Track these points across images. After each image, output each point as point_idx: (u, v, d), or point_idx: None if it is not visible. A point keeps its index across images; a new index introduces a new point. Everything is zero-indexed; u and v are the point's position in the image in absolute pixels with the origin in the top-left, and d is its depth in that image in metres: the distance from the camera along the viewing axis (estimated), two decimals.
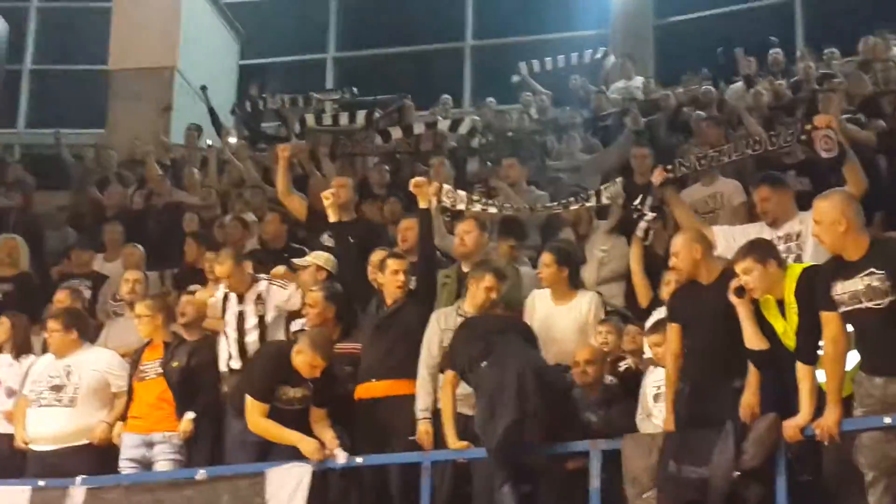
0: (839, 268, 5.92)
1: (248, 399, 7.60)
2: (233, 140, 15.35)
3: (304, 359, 7.51)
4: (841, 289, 5.84)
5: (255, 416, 7.57)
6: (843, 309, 5.85)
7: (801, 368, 6.07)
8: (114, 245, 11.65)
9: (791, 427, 6.08)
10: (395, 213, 10.77)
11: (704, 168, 8.66)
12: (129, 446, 8.26)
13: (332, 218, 8.65)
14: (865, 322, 5.82)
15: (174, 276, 10.83)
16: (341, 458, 7.38)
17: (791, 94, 13.43)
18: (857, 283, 5.78)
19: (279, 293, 8.57)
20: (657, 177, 7.98)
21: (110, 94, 18.59)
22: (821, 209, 6.01)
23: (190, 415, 8.14)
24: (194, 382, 8.26)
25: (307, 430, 7.56)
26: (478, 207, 8.70)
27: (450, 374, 7.27)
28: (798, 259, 7.16)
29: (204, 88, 17.21)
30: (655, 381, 7.11)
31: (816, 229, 6.03)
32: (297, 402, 7.63)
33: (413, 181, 8.52)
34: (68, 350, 8.59)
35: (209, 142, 16.10)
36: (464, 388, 7.29)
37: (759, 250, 6.37)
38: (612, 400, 7.37)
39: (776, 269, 6.28)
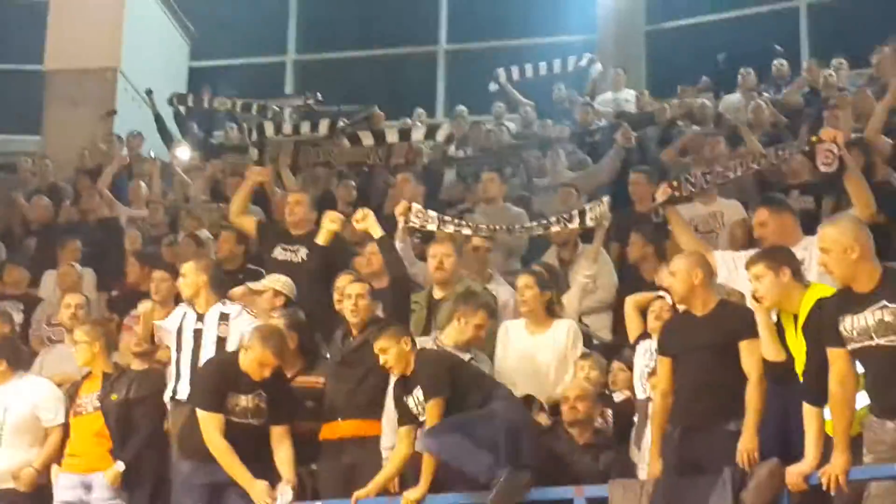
0: (848, 300, 5.89)
1: (200, 413, 7.49)
2: (183, 155, 15.30)
3: (252, 356, 7.44)
4: (850, 324, 5.82)
5: (212, 432, 7.43)
6: (852, 346, 5.83)
7: (807, 410, 6.09)
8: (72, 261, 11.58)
9: (795, 474, 6.10)
10: (361, 233, 10.74)
11: (710, 185, 8.74)
12: (65, 487, 8.20)
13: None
14: (876, 360, 5.78)
15: (110, 299, 10.79)
16: (286, 496, 7.30)
17: (799, 105, 13.55)
18: (868, 318, 5.76)
19: (246, 321, 8.37)
20: (661, 194, 8.03)
21: (46, 97, 18.52)
22: (829, 236, 5.96)
23: (119, 466, 8.07)
24: (135, 418, 8.21)
25: (267, 454, 7.49)
26: (450, 228, 8.73)
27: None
28: None
29: (149, 92, 17.19)
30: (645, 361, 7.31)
31: (824, 258, 5.97)
32: (251, 413, 7.53)
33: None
34: (2, 380, 8.54)
35: (152, 153, 16.07)
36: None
37: (773, 256, 6.44)
38: (602, 445, 7.41)
39: (790, 280, 6.33)
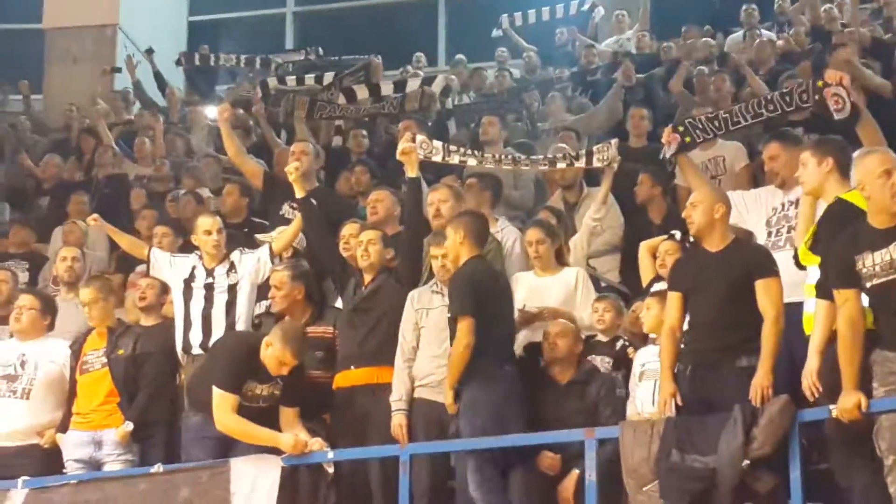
0: (868, 237, 5.88)
1: (217, 392, 7.48)
2: (212, 114, 15.16)
3: (273, 354, 7.44)
4: (871, 260, 5.82)
5: (225, 410, 7.45)
6: (874, 282, 5.82)
7: (819, 305, 6.10)
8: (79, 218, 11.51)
9: (806, 374, 6.08)
10: (363, 183, 10.74)
11: (721, 132, 8.45)
12: (75, 445, 8.19)
13: (299, 193, 8.57)
14: None
15: (119, 256, 10.79)
16: (327, 450, 7.37)
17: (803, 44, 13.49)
18: (894, 252, 5.76)
19: (249, 259, 8.48)
20: (668, 139, 7.96)
21: (46, 55, 18.46)
22: (867, 166, 5.93)
23: (128, 426, 8.08)
24: (142, 373, 8.23)
25: (274, 429, 7.51)
26: (456, 159, 8.68)
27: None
28: None
29: (150, 51, 17.13)
30: (642, 360, 7.17)
31: (863, 191, 5.94)
32: (262, 399, 7.58)
33: (400, 148, 8.44)
34: (33, 336, 8.55)
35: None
36: (439, 375, 7.35)
37: (820, 145, 6.55)
38: (586, 381, 7.38)
39: (832, 170, 6.41)
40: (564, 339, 7.42)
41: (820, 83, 7.60)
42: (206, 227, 8.54)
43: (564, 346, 7.41)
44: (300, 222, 8.64)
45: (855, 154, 6.19)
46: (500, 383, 7.11)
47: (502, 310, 7.39)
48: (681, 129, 8.09)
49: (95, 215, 9.40)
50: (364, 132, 12.72)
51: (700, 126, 8.13)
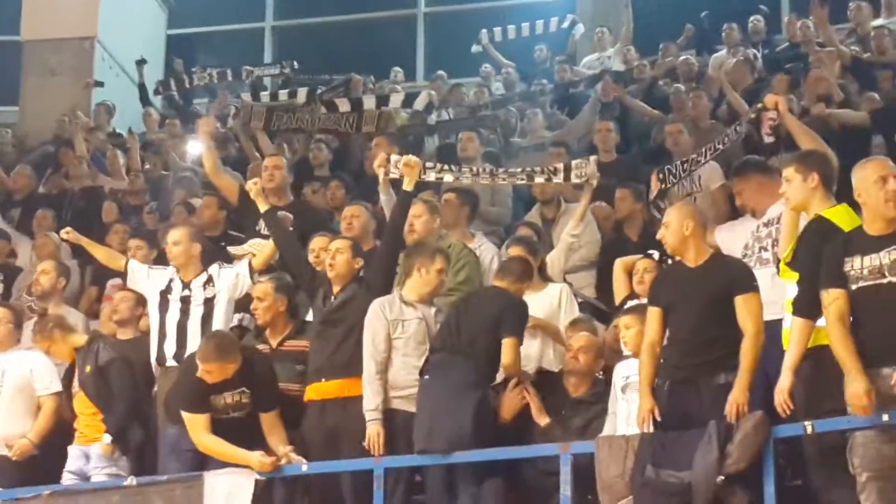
0: (859, 242, 5.95)
1: (185, 415, 7.58)
2: (194, 150, 15.08)
3: (202, 369, 7.45)
4: (859, 263, 5.88)
5: (198, 431, 7.53)
6: (858, 285, 5.87)
7: (796, 323, 6.14)
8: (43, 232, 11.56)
9: (778, 392, 6.09)
10: (338, 197, 10.76)
11: (689, 172, 8.92)
12: (72, 458, 8.31)
13: (262, 207, 8.59)
14: (888, 299, 5.79)
15: (94, 269, 10.77)
16: (302, 463, 7.42)
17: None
18: (883, 258, 5.83)
19: (227, 273, 8.47)
20: (654, 186, 8.34)
21: (23, 67, 18.42)
22: (864, 174, 6.01)
23: (106, 438, 8.12)
24: (111, 382, 8.25)
25: (254, 438, 7.54)
26: (432, 176, 8.73)
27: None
28: (777, 243, 7.20)
29: (142, 62, 17.10)
30: (624, 373, 7.15)
31: (860, 199, 6.02)
32: (232, 408, 7.60)
33: (404, 160, 8.46)
34: (4, 347, 8.63)
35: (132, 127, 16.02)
36: (411, 385, 7.39)
37: (804, 160, 6.58)
38: (590, 402, 7.39)
39: (817, 186, 6.44)
40: (586, 355, 7.41)
41: (760, 104, 7.86)
42: (173, 238, 8.58)
43: (585, 361, 7.41)
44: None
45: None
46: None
47: None
48: (660, 175, 8.56)
49: (68, 228, 9.39)
50: (323, 146, 12.70)
51: (672, 171, 8.74)
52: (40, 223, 12.03)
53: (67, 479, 8.21)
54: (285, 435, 7.57)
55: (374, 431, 7.35)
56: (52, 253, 10.63)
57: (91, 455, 8.19)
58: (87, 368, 8.26)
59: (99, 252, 9.34)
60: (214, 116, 13.12)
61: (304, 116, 12.86)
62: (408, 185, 8.31)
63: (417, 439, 7.20)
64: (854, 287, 5.90)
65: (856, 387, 5.76)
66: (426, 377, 7.33)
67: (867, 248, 5.90)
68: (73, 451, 8.30)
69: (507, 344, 7.22)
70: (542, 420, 7.26)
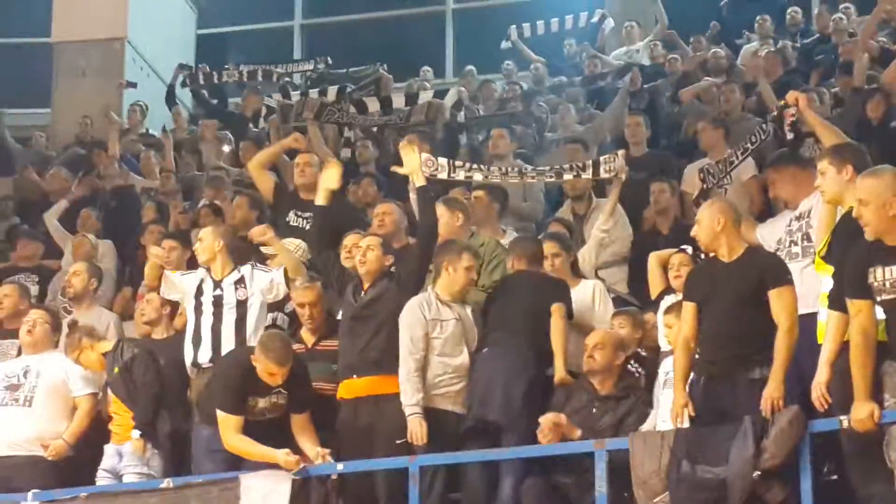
0: (879, 252, 5.89)
1: (219, 414, 7.60)
2: (226, 148, 15.12)
3: (261, 369, 7.49)
4: (882, 275, 5.84)
5: (230, 432, 7.57)
6: (883, 297, 5.85)
7: (832, 316, 6.10)
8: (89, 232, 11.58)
9: (815, 385, 6.09)
10: (370, 195, 10.75)
11: (726, 173, 9.07)
12: (108, 456, 8.32)
13: (320, 200, 8.57)
14: None
15: (132, 271, 10.82)
16: (333, 462, 7.44)
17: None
18: None
19: (261, 277, 8.41)
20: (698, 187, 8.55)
21: (55, 69, 18.49)
22: (869, 188, 5.92)
23: (134, 434, 8.10)
24: (134, 377, 8.21)
25: (284, 439, 7.55)
26: (461, 175, 8.73)
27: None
28: (807, 238, 7.21)
29: (185, 67, 17.06)
30: (666, 368, 7.13)
31: (860, 210, 5.93)
32: (267, 411, 7.64)
33: (401, 146, 8.53)
34: (41, 349, 8.61)
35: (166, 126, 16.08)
36: (455, 386, 7.44)
37: (839, 153, 6.55)
38: (621, 397, 7.34)
39: (852, 177, 6.33)
40: (602, 351, 7.34)
41: (783, 102, 7.88)
42: (198, 236, 8.63)
43: (602, 358, 7.33)
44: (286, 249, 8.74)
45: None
46: None
47: None
48: (701, 176, 8.87)
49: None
50: (369, 144, 12.71)
51: (711, 171, 8.93)
52: (84, 222, 12.03)
53: (101, 476, 8.23)
54: (316, 436, 7.59)
55: (416, 423, 7.35)
56: (89, 253, 10.66)
57: (124, 453, 8.19)
58: (115, 370, 8.26)
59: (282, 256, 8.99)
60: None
61: (357, 115, 12.89)
62: (418, 181, 8.28)
63: (472, 406, 7.37)
64: (879, 299, 5.88)
65: (861, 410, 5.84)
66: (485, 350, 7.53)
67: (887, 259, 5.86)
68: (109, 449, 8.32)
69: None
70: (575, 435, 7.21)
